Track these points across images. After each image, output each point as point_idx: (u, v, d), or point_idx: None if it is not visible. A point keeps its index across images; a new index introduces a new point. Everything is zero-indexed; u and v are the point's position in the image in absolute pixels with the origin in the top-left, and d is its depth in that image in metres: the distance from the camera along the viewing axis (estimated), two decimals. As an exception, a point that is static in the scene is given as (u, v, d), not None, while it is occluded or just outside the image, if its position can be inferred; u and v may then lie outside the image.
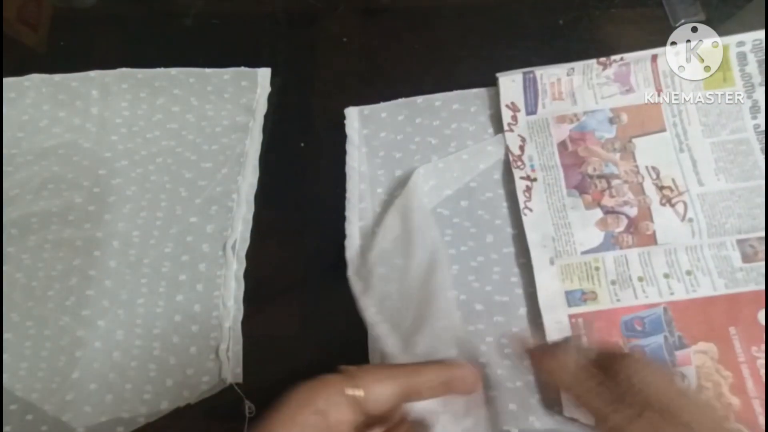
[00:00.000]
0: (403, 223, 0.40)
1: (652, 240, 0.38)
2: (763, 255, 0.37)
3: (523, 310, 0.38)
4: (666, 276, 0.37)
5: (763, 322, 0.35)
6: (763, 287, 0.36)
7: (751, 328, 0.35)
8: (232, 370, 0.39)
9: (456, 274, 0.40)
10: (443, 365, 0.25)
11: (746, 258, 0.37)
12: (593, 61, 0.42)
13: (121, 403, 0.38)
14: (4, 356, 0.40)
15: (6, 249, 0.43)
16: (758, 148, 0.39)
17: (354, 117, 0.45)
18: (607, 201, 0.40)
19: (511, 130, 0.42)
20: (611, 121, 0.41)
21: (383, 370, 0.24)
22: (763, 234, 0.37)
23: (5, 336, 0.40)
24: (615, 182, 0.40)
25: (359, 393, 0.22)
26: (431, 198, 0.41)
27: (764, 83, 0.40)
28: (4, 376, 0.39)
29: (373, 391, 0.22)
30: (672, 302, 0.37)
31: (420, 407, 0.26)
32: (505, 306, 0.38)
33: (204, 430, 0.38)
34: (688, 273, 0.37)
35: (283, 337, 0.39)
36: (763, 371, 0.34)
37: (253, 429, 0.22)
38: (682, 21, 0.44)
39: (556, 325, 0.37)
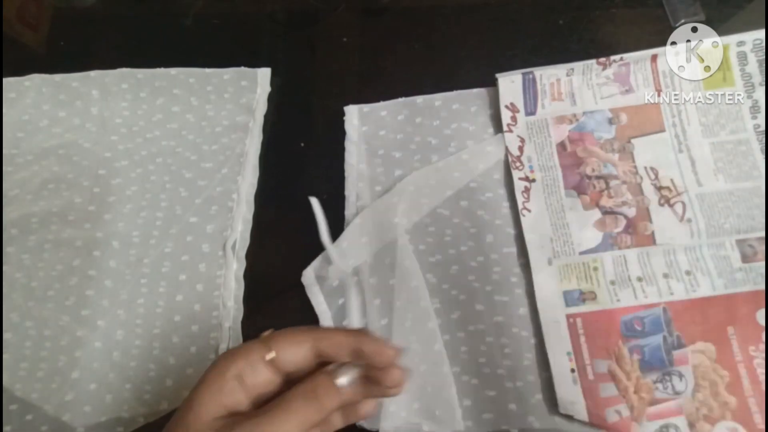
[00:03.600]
0: (380, 237, 0.40)
1: (650, 240, 0.38)
2: (762, 255, 0.37)
3: (523, 310, 0.38)
4: (665, 276, 0.37)
5: (762, 322, 0.35)
6: (762, 287, 0.36)
7: (749, 328, 0.35)
8: (232, 370, 0.39)
9: (456, 274, 0.40)
10: (355, 333, 0.26)
11: (745, 258, 0.37)
12: (593, 61, 0.42)
13: (121, 403, 0.38)
14: (4, 356, 0.40)
15: (6, 249, 0.43)
16: (758, 148, 0.39)
17: (353, 114, 0.45)
18: (606, 201, 0.40)
19: (511, 131, 0.42)
20: (610, 121, 0.41)
21: (296, 333, 0.25)
22: (762, 234, 0.37)
23: (5, 336, 0.40)
24: (613, 183, 0.40)
25: (272, 355, 0.24)
26: (431, 199, 0.41)
27: (764, 83, 0.40)
28: (4, 376, 0.39)
29: (285, 351, 0.24)
30: (671, 302, 0.37)
31: None
32: (505, 306, 0.39)
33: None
34: (688, 273, 0.37)
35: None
36: (759, 370, 0.34)
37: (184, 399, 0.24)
38: (682, 21, 0.44)
39: (554, 325, 0.37)
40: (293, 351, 0.25)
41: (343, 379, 0.24)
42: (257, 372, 0.24)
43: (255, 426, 0.22)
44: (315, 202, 0.38)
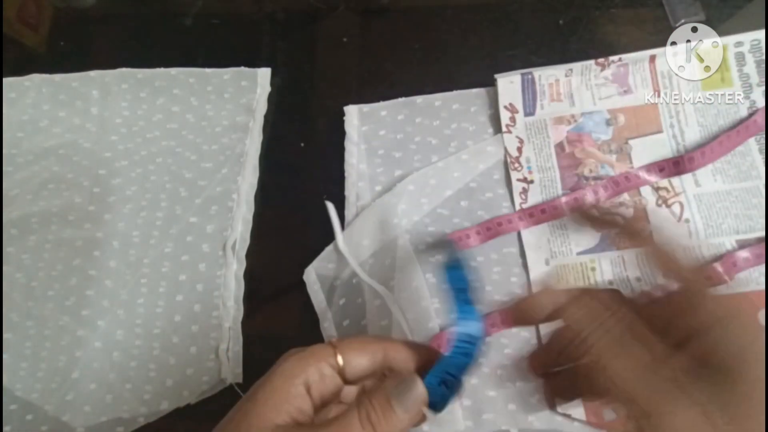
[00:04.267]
0: (381, 233, 0.40)
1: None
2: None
3: (522, 310, 0.38)
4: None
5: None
6: (762, 287, 0.36)
7: (749, 329, 0.35)
8: (232, 370, 0.39)
9: (455, 274, 0.40)
10: (420, 347, 0.25)
11: (745, 258, 0.37)
12: (591, 61, 0.42)
13: (121, 403, 0.38)
14: (4, 356, 0.40)
15: (6, 249, 0.43)
16: (756, 148, 0.39)
17: (353, 114, 0.45)
18: (603, 203, 0.40)
19: (509, 132, 0.42)
20: (608, 122, 0.41)
21: (366, 342, 0.25)
22: (761, 234, 0.37)
23: (5, 336, 0.41)
24: (612, 183, 0.40)
25: (341, 362, 0.23)
26: (431, 199, 0.41)
27: (762, 83, 0.40)
28: (4, 376, 0.39)
29: (354, 360, 0.24)
30: (670, 302, 0.37)
31: None
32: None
33: (204, 430, 0.38)
34: (687, 273, 0.37)
35: (283, 337, 0.39)
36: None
37: (244, 397, 0.22)
38: (682, 21, 0.44)
39: (551, 325, 0.37)
40: (362, 360, 0.24)
41: (404, 402, 0.22)
42: (325, 379, 0.23)
43: None
44: (330, 207, 0.40)
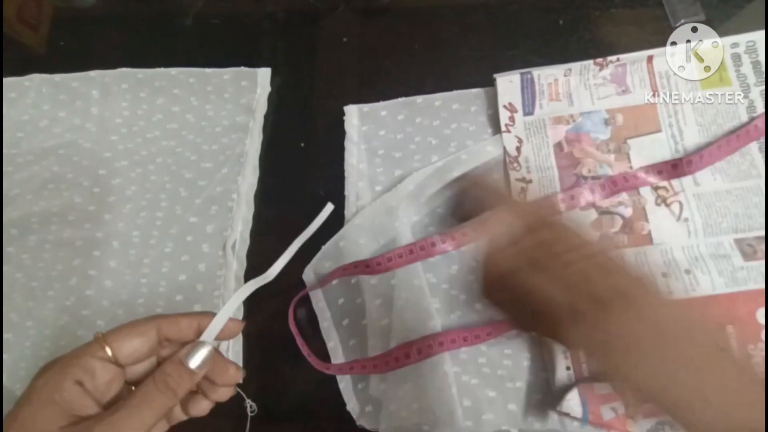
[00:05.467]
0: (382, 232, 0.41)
1: (647, 240, 0.38)
2: (762, 254, 0.37)
3: (521, 310, 0.38)
4: (664, 275, 0.37)
5: (762, 321, 0.35)
6: (762, 286, 0.36)
7: (748, 327, 0.35)
8: (232, 370, 0.39)
9: (455, 273, 0.40)
10: (196, 313, 0.27)
11: (746, 257, 0.37)
12: (590, 61, 0.42)
13: (121, 403, 0.38)
14: (4, 356, 0.40)
15: (6, 249, 0.43)
16: (755, 147, 0.39)
17: (353, 114, 0.45)
18: (602, 202, 0.40)
19: (509, 131, 0.42)
20: (606, 122, 0.41)
21: (133, 325, 0.25)
22: (761, 233, 0.37)
23: (5, 336, 0.41)
24: (610, 183, 0.40)
25: (107, 353, 0.23)
26: (431, 199, 0.41)
27: (759, 83, 0.40)
28: (4, 376, 0.39)
29: (124, 345, 0.24)
30: (670, 302, 0.37)
31: None
32: (503, 306, 0.39)
33: (205, 429, 0.38)
34: (687, 272, 0.37)
35: (283, 337, 0.39)
36: (758, 369, 0.34)
37: (10, 416, 0.22)
38: (682, 21, 0.44)
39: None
40: (134, 342, 0.24)
41: (195, 361, 0.24)
42: (97, 374, 0.23)
43: (108, 425, 0.22)
44: (328, 209, 0.41)
